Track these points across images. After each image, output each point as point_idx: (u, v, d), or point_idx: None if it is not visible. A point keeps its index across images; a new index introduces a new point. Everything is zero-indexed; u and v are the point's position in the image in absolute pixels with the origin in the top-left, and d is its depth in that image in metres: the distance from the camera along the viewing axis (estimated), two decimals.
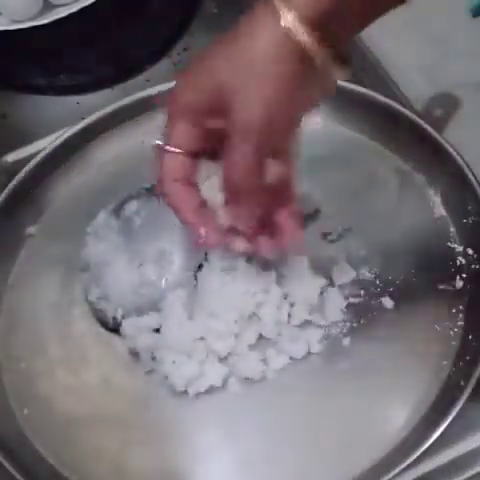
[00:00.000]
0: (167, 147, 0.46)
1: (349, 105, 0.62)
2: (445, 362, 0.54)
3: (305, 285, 0.56)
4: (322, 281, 0.56)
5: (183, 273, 0.57)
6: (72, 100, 0.72)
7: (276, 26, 0.40)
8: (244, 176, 0.43)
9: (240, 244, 0.49)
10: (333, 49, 0.41)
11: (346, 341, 0.55)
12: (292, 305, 0.56)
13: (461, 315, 0.55)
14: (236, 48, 0.42)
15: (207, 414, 0.54)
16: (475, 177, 0.58)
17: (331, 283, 0.57)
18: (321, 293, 0.56)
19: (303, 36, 0.40)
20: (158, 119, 0.67)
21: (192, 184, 0.48)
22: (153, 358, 0.56)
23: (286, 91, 0.41)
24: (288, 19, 0.40)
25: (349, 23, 0.41)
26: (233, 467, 0.53)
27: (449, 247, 0.58)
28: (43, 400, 0.56)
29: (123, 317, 0.57)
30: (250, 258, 0.55)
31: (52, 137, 0.66)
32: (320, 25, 0.40)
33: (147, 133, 0.67)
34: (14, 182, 0.64)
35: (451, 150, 0.59)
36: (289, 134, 0.45)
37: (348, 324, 0.56)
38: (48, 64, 0.73)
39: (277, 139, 0.43)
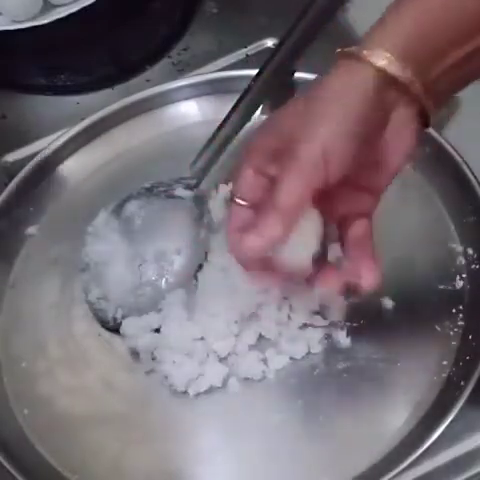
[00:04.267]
0: (235, 198, 0.47)
1: None
2: (445, 362, 0.54)
3: (304, 290, 0.55)
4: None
5: (183, 273, 0.57)
6: (72, 100, 0.72)
7: (361, 72, 0.40)
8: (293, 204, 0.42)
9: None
10: (427, 83, 0.41)
11: (346, 341, 0.55)
12: (292, 309, 0.56)
13: (461, 315, 0.55)
14: (312, 98, 0.42)
15: (207, 414, 0.54)
16: (475, 177, 0.58)
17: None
18: (321, 294, 0.56)
19: (398, 70, 0.40)
20: (158, 119, 0.68)
21: None
22: (153, 358, 0.56)
23: (349, 126, 0.40)
24: (361, 49, 0.40)
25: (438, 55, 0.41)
26: (233, 467, 0.53)
27: (449, 247, 0.58)
28: (43, 400, 0.56)
29: (123, 317, 0.57)
30: None
31: (52, 137, 0.66)
32: (412, 58, 0.40)
33: (147, 133, 0.67)
34: (14, 182, 0.64)
35: (451, 150, 0.59)
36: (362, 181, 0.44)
37: (348, 324, 0.56)
38: (48, 64, 0.73)
39: (335, 176, 0.42)
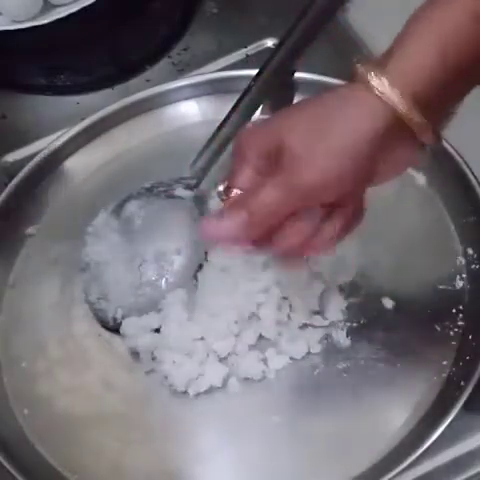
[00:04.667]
0: (230, 191, 0.45)
1: None
2: (445, 362, 0.54)
3: (305, 290, 0.56)
4: (321, 286, 0.56)
5: (183, 273, 0.57)
6: (72, 100, 0.72)
7: (362, 96, 0.40)
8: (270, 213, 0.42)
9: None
10: (427, 111, 0.40)
11: (346, 341, 0.55)
12: (292, 309, 0.56)
13: (461, 315, 0.55)
14: (319, 118, 0.41)
15: (207, 414, 0.54)
16: (475, 177, 0.58)
17: (331, 283, 0.57)
18: (321, 294, 0.56)
19: (397, 100, 0.39)
20: (158, 119, 0.68)
21: None
22: (153, 358, 0.56)
23: (353, 163, 0.40)
24: (381, 84, 0.39)
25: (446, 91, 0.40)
26: (233, 467, 0.53)
27: (449, 247, 0.58)
28: (43, 400, 0.56)
29: (123, 317, 0.57)
30: (250, 258, 0.55)
31: (52, 137, 0.66)
32: (417, 94, 0.39)
33: (147, 133, 0.67)
34: (14, 182, 0.64)
35: (451, 150, 0.59)
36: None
37: (348, 324, 0.56)
38: (48, 64, 0.73)
39: (325, 201, 0.42)
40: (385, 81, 0.39)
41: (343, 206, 0.43)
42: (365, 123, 0.40)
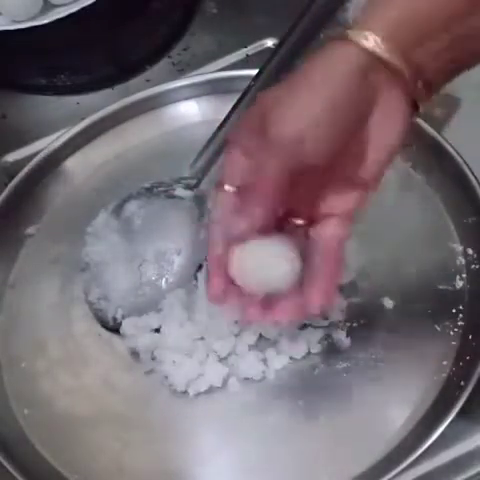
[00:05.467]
0: (223, 186, 0.45)
1: None
2: (445, 362, 0.54)
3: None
4: None
5: (183, 273, 0.57)
6: (72, 100, 0.72)
7: (351, 53, 0.39)
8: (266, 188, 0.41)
9: (250, 310, 0.45)
10: (415, 67, 0.40)
11: (346, 341, 0.55)
12: None
13: (461, 315, 0.55)
14: (294, 81, 0.41)
15: (207, 414, 0.54)
16: (475, 177, 0.58)
17: None
18: None
19: (385, 52, 0.39)
20: (158, 119, 0.68)
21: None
22: (153, 358, 0.56)
23: (332, 109, 0.39)
24: (355, 33, 0.39)
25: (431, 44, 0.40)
26: (233, 467, 0.53)
27: (449, 247, 0.58)
28: (43, 400, 0.56)
29: (123, 317, 0.57)
30: None
31: (52, 137, 0.66)
32: (398, 41, 0.39)
33: (147, 133, 0.67)
34: (14, 182, 0.64)
35: (451, 150, 0.59)
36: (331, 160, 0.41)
37: (348, 324, 0.56)
38: (48, 64, 0.73)
39: (312, 161, 0.40)
40: (359, 28, 0.39)
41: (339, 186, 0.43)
42: (338, 66, 0.40)
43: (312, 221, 0.45)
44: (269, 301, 0.45)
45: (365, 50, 0.39)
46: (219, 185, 0.45)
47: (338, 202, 0.44)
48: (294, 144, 0.40)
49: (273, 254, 0.44)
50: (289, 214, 0.45)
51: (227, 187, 0.44)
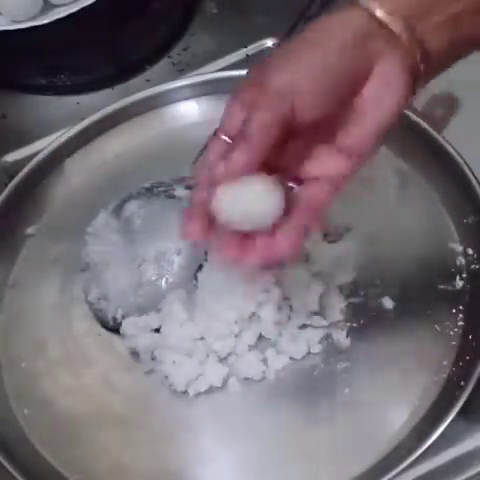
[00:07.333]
0: (218, 134, 0.45)
1: None
2: (445, 362, 0.54)
3: (305, 291, 0.55)
4: (321, 287, 0.56)
5: (183, 273, 0.57)
6: (72, 100, 0.72)
7: (354, 15, 0.40)
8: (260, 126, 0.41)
9: (229, 249, 0.45)
10: (416, 37, 0.41)
11: (346, 341, 0.55)
12: (292, 309, 0.56)
13: (461, 315, 0.55)
14: (299, 37, 0.42)
15: (207, 414, 0.54)
16: (475, 177, 0.58)
17: (331, 283, 0.57)
18: (321, 294, 0.56)
19: (386, 17, 0.40)
20: (158, 119, 0.68)
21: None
22: (153, 358, 0.56)
23: (323, 66, 0.40)
24: (373, 8, 0.40)
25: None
26: (233, 467, 0.53)
27: (449, 247, 0.58)
28: (43, 400, 0.56)
29: (123, 317, 0.57)
30: None
31: (52, 137, 0.67)
32: (400, 11, 0.40)
33: (147, 133, 0.67)
34: (14, 182, 0.64)
35: (451, 150, 0.59)
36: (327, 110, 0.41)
37: (348, 324, 0.56)
38: (48, 64, 0.73)
39: (303, 115, 0.41)
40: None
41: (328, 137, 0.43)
42: (338, 27, 0.41)
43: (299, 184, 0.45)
44: (245, 245, 0.44)
45: (367, 13, 0.40)
46: (215, 134, 0.45)
47: (324, 166, 0.44)
48: (289, 94, 0.40)
49: (256, 190, 0.44)
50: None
51: (223, 137, 0.45)
